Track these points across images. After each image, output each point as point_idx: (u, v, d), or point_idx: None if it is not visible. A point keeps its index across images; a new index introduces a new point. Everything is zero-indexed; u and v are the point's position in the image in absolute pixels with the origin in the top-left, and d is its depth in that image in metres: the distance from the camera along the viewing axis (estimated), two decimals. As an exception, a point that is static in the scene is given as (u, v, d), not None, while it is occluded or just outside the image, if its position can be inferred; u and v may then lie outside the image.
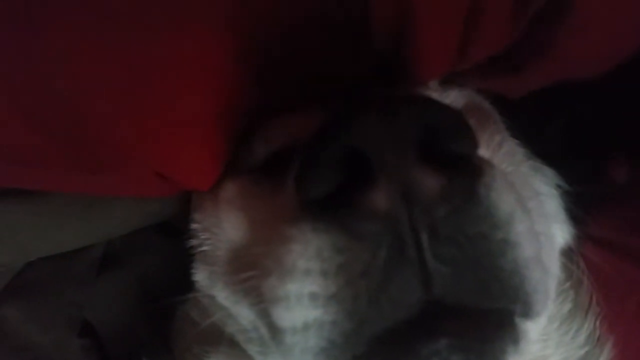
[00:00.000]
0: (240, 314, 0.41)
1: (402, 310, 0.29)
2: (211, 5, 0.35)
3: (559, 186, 0.46)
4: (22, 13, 0.33)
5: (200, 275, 0.45)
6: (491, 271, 0.29)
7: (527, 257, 0.30)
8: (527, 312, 0.31)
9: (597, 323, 0.44)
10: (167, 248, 0.54)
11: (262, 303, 0.34)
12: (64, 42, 0.34)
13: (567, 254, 0.44)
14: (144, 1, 0.33)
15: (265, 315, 0.34)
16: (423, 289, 0.28)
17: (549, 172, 0.46)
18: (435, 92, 0.44)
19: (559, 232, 0.44)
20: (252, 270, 0.35)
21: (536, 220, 0.32)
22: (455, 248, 0.28)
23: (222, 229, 0.43)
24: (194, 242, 0.47)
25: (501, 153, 0.42)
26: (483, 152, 0.32)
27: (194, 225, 0.47)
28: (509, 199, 0.30)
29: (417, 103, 0.29)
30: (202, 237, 0.45)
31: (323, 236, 0.29)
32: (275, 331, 0.33)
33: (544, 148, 0.47)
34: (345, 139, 0.28)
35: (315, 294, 0.29)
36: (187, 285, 0.48)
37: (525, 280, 0.30)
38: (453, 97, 0.45)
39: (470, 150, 0.29)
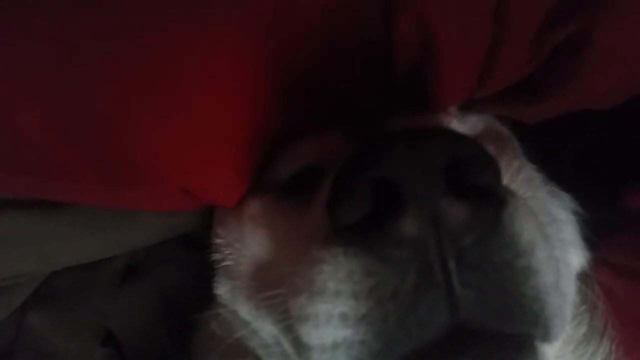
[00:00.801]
0: (262, 328, 0.42)
1: (429, 332, 0.30)
2: (246, 28, 0.35)
3: (574, 211, 0.47)
4: (57, 27, 0.34)
5: (222, 289, 0.47)
6: (514, 297, 0.30)
7: (547, 284, 0.31)
8: (547, 336, 0.32)
9: (613, 347, 0.45)
10: (190, 261, 0.55)
11: (287, 320, 0.35)
12: (98, 56, 0.34)
13: (583, 278, 0.45)
14: (180, 18, 0.34)
15: (290, 331, 0.35)
16: (449, 312, 0.29)
17: (565, 197, 0.46)
18: (455, 118, 0.46)
19: (575, 257, 0.44)
20: (278, 288, 0.36)
21: (555, 246, 0.34)
22: (481, 274, 0.29)
23: (245, 244, 0.44)
24: (216, 256, 0.48)
25: (520, 178, 0.43)
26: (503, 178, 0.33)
27: (216, 240, 0.48)
28: (531, 227, 0.31)
29: (444, 136, 0.30)
30: (225, 251, 0.46)
31: (354, 260, 0.31)
32: (301, 348, 0.34)
33: (559, 173, 0.48)
34: (377, 169, 0.29)
35: (345, 314, 0.31)
36: (208, 298, 0.49)
37: (546, 306, 0.31)
38: (472, 123, 0.46)
39: (494, 181, 0.31)
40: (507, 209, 0.31)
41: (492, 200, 0.30)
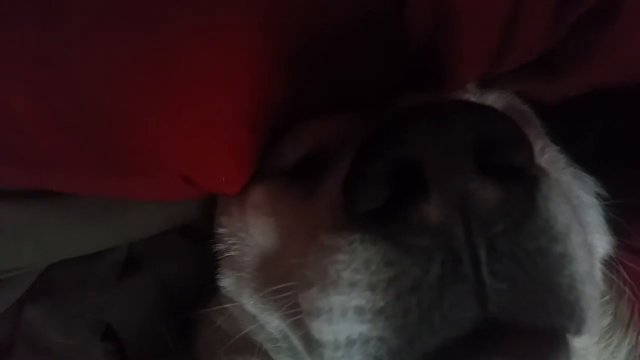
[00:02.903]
0: (269, 322, 0.40)
1: (455, 328, 0.27)
2: (245, 9, 0.34)
3: (598, 195, 0.44)
4: (56, 17, 0.33)
5: (226, 281, 0.45)
6: (549, 287, 0.28)
7: (583, 272, 0.29)
8: (580, 329, 0.30)
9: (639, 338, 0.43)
10: (191, 252, 0.54)
11: (296, 315, 0.33)
12: (96, 45, 0.33)
13: (607, 264, 0.43)
14: (177, 3, 0.33)
15: (300, 327, 0.33)
16: (478, 306, 0.27)
17: (589, 179, 0.44)
18: (474, 95, 0.43)
19: (600, 242, 0.42)
20: (285, 281, 0.34)
21: (587, 231, 0.31)
22: (513, 263, 0.27)
23: (249, 234, 0.42)
24: (219, 246, 0.46)
25: (544, 159, 0.41)
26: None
27: (219, 230, 0.46)
28: (566, 210, 0.29)
29: (472, 109, 0.28)
30: (229, 241, 0.45)
31: (372, 248, 0.28)
32: (312, 344, 0.31)
33: (581, 155, 0.45)
34: (398, 149, 0.27)
35: (362, 307, 0.28)
36: (211, 290, 0.48)
37: (581, 296, 0.29)
38: (492, 100, 0.44)
39: (528, 162, 0.28)
40: (541, 190, 0.28)
41: (525, 181, 0.27)
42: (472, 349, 0.27)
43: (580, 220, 0.30)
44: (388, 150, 0.27)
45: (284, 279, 0.35)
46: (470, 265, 0.26)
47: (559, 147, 0.44)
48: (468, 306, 0.27)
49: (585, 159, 0.45)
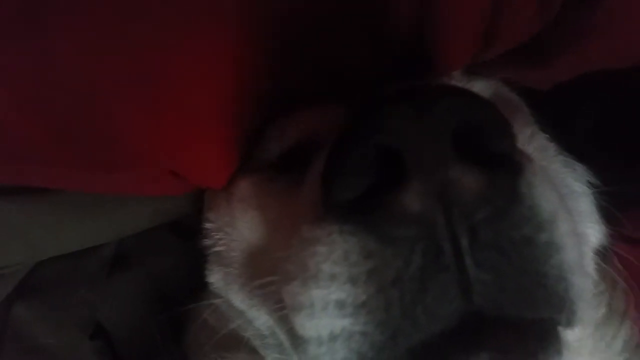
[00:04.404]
0: (257, 318, 0.40)
1: (439, 322, 0.26)
2: (222, 3, 0.33)
3: (590, 183, 0.43)
4: (34, 12, 0.32)
5: (215, 277, 0.44)
6: (535, 278, 0.27)
7: (572, 261, 0.28)
8: (571, 321, 0.29)
9: (635, 328, 0.42)
10: (181, 248, 0.53)
11: (282, 310, 0.32)
12: (76, 41, 0.33)
13: (601, 254, 0.42)
14: (156, 5, 0.32)
15: (285, 322, 0.32)
16: (462, 298, 0.26)
17: (580, 168, 0.43)
18: (460, 83, 0.42)
19: (592, 232, 0.41)
20: (271, 275, 0.34)
21: (576, 219, 0.30)
22: (497, 253, 0.26)
23: (236, 228, 0.42)
24: (207, 242, 0.45)
25: (532, 147, 0.40)
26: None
27: (207, 225, 0.46)
28: (551, 197, 0.28)
29: (454, 95, 0.27)
30: (216, 237, 0.44)
31: (351, 239, 0.27)
32: (297, 340, 0.31)
33: (572, 143, 0.45)
34: (376, 136, 0.26)
35: (343, 301, 0.27)
36: (201, 286, 0.47)
37: (570, 287, 0.28)
38: (479, 88, 0.43)
39: (511, 148, 0.27)
40: (524, 177, 0.27)
41: (507, 168, 0.27)
42: (457, 343, 0.27)
43: (568, 209, 0.29)
44: (366, 137, 0.26)
45: (269, 272, 0.34)
46: (452, 255, 0.26)
47: (548, 135, 0.43)
48: (452, 298, 0.26)
49: (577, 147, 0.44)
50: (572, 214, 0.30)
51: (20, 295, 0.51)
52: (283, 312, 0.32)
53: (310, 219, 0.30)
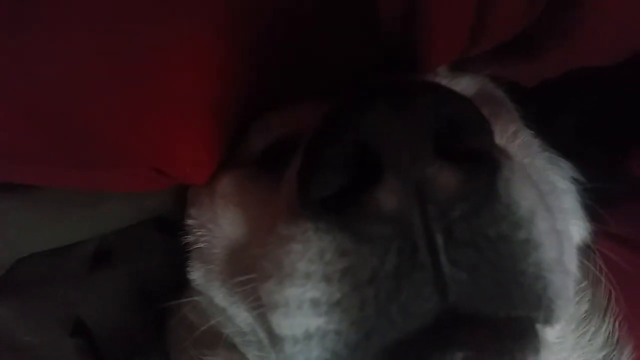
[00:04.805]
0: (237, 315, 0.40)
1: (414, 320, 0.26)
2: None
3: (575, 180, 0.43)
4: (16, 12, 0.32)
5: (196, 274, 0.44)
6: (512, 276, 0.27)
7: (550, 259, 0.28)
8: (549, 319, 0.29)
9: (617, 324, 0.42)
10: (163, 244, 0.52)
11: (260, 307, 0.32)
12: (59, 41, 0.32)
13: (584, 251, 0.42)
14: (137, 5, 0.32)
15: (264, 320, 0.32)
16: (437, 296, 0.26)
17: (565, 164, 0.43)
18: (445, 79, 0.42)
19: (576, 228, 0.41)
20: (250, 272, 0.33)
21: (556, 216, 0.30)
22: (473, 251, 0.26)
23: (218, 225, 0.42)
24: (189, 238, 0.45)
25: (516, 144, 0.39)
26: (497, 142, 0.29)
27: (189, 221, 0.45)
28: (530, 194, 0.28)
29: (431, 91, 0.26)
30: (198, 233, 0.44)
31: (326, 237, 0.27)
32: (274, 338, 0.30)
33: (558, 139, 0.45)
34: (352, 133, 0.25)
35: (317, 300, 0.27)
36: (183, 283, 0.46)
37: (548, 285, 0.27)
38: (464, 84, 0.43)
39: (487, 144, 0.27)
40: (501, 174, 0.27)
41: (484, 165, 0.26)
42: (432, 342, 0.26)
43: (548, 206, 0.29)
44: (342, 135, 0.25)
45: (249, 270, 0.34)
46: (427, 252, 0.25)
47: (533, 132, 0.43)
48: (427, 297, 0.26)
49: (563, 144, 0.44)
50: (552, 212, 0.29)
51: (0, 293, 0.51)
52: (261, 310, 0.32)
53: (287, 217, 0.29)
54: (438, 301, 0.26)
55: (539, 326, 0.29)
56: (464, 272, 0.26)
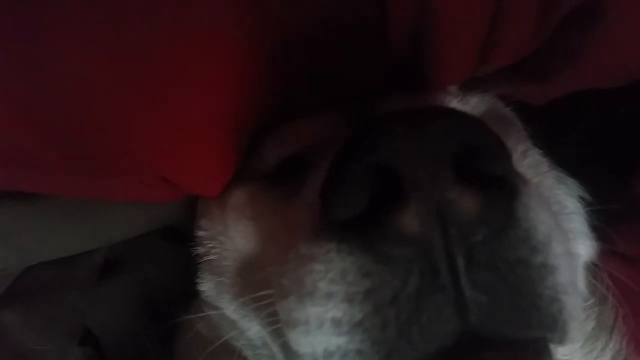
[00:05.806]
0: (249, 328, 0.40)
1: (435, 342, 0.27)
2: (226, 7, 0.33)
3: (581, 199, 0.44)
4: (28, 15, 0.32)
5: (206, 285, 0.44)
6: (530, 299, 0.27)
7: (565, 282, 0.28)
8: (563, 340, 0.29)
9: (623, 342, 0.43)
10: (172, 254, 0.53)
11: (275, 324, 0.32)
12: (70, 46, 0.32)
13: (591, 269, 0.42)
14: (153, 5, 0.32)
15: (279, 336, 0.32)
16: (458, 318, 0.26)
17: (572, 183, 0.44)
18: (455, 98, 0.42)
19: (583, 247, 0.42)
20: (265, 288, 0.33)
21: (569, 239, 0.30)
22: (493, 274, 0.26)
23: (229, 237, 0.42)
24: (199, 249, 0.45)
25: (525, 163, 0.40)
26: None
27: (199, 233, 0.45)
28: (547, 219, 0.28)
29: (452, 117, 0.27)
30: (209, 245, 0.44)
31: (348, 258, 0.27)
32: (290, 355, 0.31)
33: (565, 158, 0.45)
34: (375, 156, 0.26)
35: (339, 320, 0.27)
36: (192, 294, 0.47)
37: (564, 307, 0.28)
38: (474, 103, 0.43)
39: (507, 170, 0.27)
40: (520, 199, 0.27)
41: (504, 190, 0.27)
42: None
43: (562, 228, 0.30)
44: (366, 157, 0.26)
45: (263, 286, 0.34)
46: (448, 275, 0.26)
47: (541, 151, 0.43)
48: (448, 318, 0.26)
49: (569, 162, 0.45)
50: (566, 234, 0.30)
51: (9, 300, 0.51)
52: (277, 326, 0.32)
53: (308, 236, 0.30)
54: (458, 323, 0.26)
55: (552, 346, 0.30)
56: (484, 295, 0.26)
